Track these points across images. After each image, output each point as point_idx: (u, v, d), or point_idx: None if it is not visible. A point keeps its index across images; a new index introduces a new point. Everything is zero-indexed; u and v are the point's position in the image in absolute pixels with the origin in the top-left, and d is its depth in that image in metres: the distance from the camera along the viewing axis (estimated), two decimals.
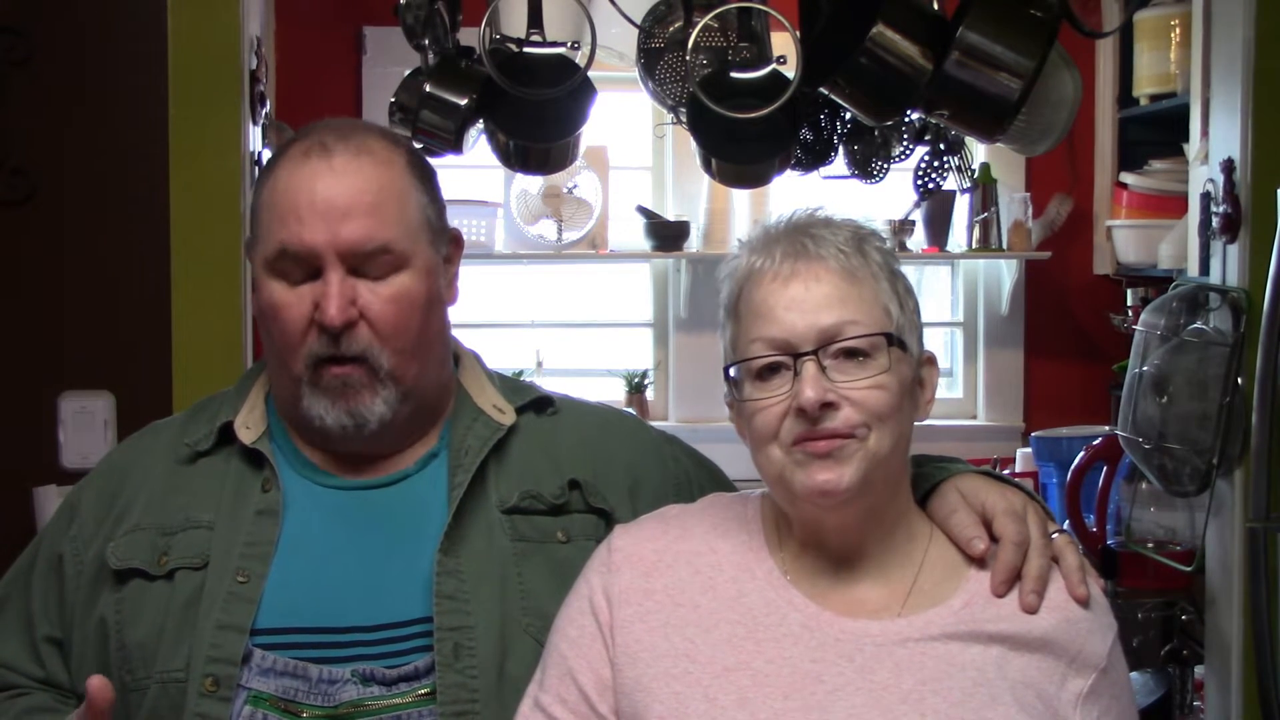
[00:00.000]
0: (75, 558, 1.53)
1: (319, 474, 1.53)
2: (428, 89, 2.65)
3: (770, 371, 1.34)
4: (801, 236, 1.37)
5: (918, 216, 4.26)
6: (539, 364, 4.28)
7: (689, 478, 1.63)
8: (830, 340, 1.32)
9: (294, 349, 1.47)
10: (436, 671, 1.43)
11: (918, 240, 4.31)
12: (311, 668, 1.43)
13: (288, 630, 1.44)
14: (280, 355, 1.50)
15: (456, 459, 1.53)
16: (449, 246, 1.56)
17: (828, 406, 1.31)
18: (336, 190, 1.45)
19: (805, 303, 1.33)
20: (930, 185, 3.31)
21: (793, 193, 3.89)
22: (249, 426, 1.53)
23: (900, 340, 1.35)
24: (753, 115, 2.31)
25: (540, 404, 1.61)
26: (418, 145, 2.80)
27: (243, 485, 1.51)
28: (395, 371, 1.48)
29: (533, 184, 4.20)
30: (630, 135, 4.42)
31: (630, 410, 4.08)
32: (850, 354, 1.33)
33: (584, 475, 1.56)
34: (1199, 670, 3.01)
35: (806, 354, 1.32)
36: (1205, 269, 2.75)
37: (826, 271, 1.34)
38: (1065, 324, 4.43)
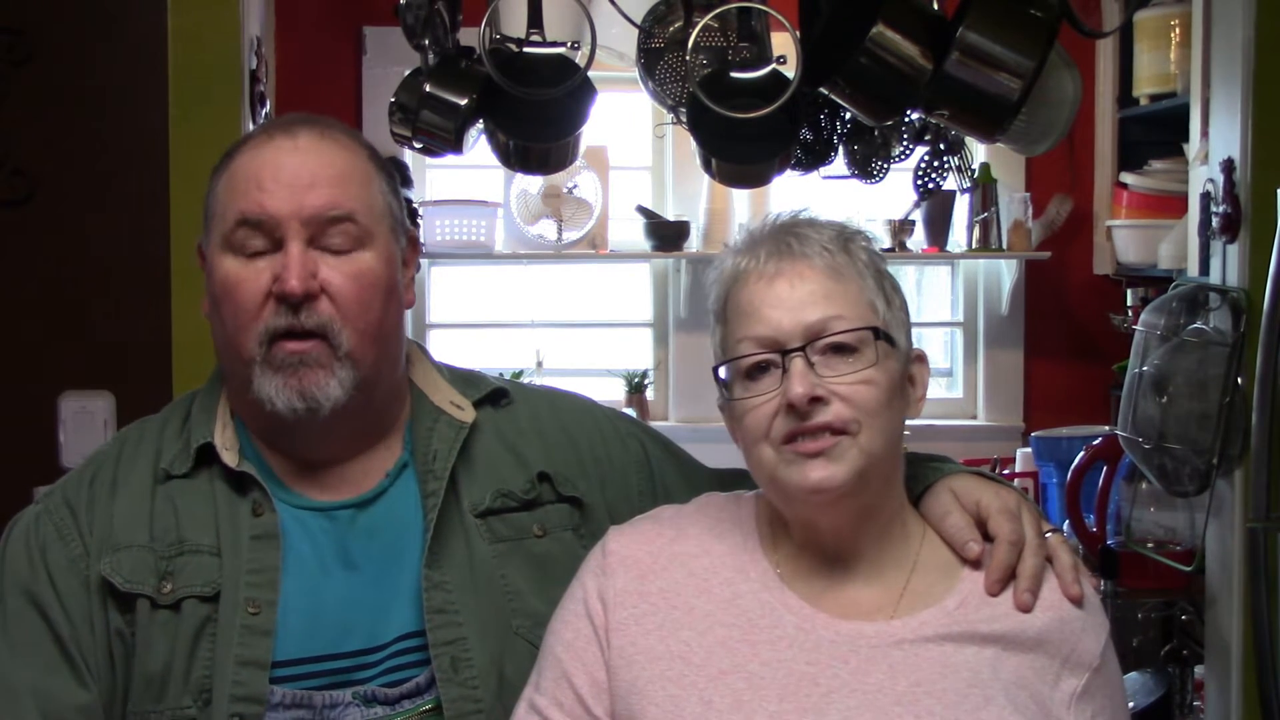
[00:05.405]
0: (82, 559, 1.43)
1: (299, 497, 1.48)
2: (428, 89, 2.65)
3: (759, 370, 1.34)
4: (786, 236, 1.38)
5: (918, 216, 4.26)
6: (539, 364, 4.27)
7: (646, 456, 1.62)
8: (817, 336, 1.32)
9: (248, 326, 1.42)
10: (438, 686, 1.42)
11: (918, 240, 4.30)
12: (315, 695, 1.41)
13: (297, 661, 1.42)
14: (232, 338, 1.44)
15: (425, 465, 1.50)
16: (409, 248, 1.53)
17: (816, 401, 1.31)
18: (301, 163, 1.43)
19: (790, 300, 1.34)
20: (930, 185, 3.31)
21: (793, 193, 3.89)
22: (227, 448, 1.47)
23: (887, 335, 1.35)
24: (753, 115, 2.31)
25: (496, 396, 1.58)
26: (417, 146, 2.81)
27: (231, 508, 1.45)
28: (354, 352, 1.43)
29: (533, 184, 4.20)
30: (630, 135, 4.42)
31: (630, 410, 4.09)
32: (838, 349, 1.33)
33: (551, 466, 1.55)
34: (1199, 670, 3.00)
35: (794, 350, 1.32)
36: (1205, 269, 2.75)
37: (811, 269, 1.35)
38: (1065, 324, 4.43)
